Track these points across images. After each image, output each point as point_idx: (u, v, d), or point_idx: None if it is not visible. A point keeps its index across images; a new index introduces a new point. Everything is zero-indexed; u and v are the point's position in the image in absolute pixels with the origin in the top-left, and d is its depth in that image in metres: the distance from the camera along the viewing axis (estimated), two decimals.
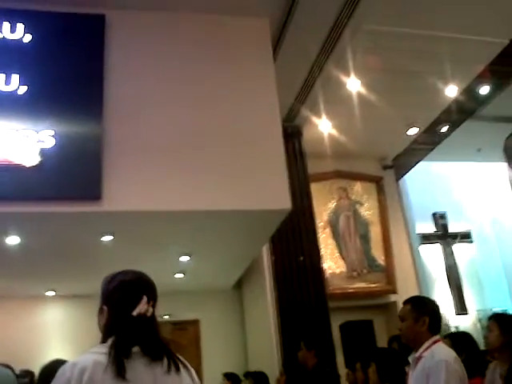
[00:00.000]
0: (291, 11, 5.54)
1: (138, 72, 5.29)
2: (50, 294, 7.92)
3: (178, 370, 1.80)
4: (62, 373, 1.69)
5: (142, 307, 1.81)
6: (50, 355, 3.76)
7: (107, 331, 1.83)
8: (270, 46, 5.76)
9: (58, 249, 5.79)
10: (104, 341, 1.80)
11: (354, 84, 6.70)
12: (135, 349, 1.75)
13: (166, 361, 1.79)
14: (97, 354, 1.73)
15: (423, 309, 3.03)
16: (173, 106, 5.24)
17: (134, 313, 1.80)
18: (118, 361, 1.68)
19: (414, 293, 7.91)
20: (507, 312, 8.36)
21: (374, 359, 4.24)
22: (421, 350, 2.91)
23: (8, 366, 3.52)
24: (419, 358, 2.89)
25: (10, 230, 5.12)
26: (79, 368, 1.67)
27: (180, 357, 1.87)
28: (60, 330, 7.77)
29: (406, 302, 3.13)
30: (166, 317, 8.37)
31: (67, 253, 5.90)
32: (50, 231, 5.23)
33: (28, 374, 4.32)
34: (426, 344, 2.91)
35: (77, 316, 7.65)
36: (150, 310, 1.85)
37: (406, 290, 7.55)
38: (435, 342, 2.92)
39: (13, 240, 5.37)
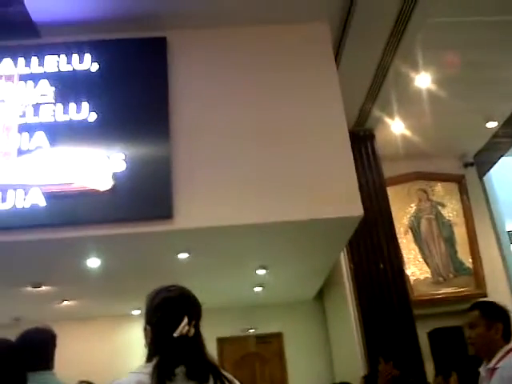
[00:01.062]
0: (350, 11, 5.41)
1: (201, 90, 5.36)
2: (136, 312, 8.13)
3: None
4: None
5: (182, 328, 1.78)
6: None
7: (151, 351, 1.82)
8: (331, 49, 5.67)
9: (137, 268, 5.95)
10: (149, 360, 1.79)
11: (424, 80, 6.49)
12: (179, 369, 1.72)
13: (212, 380, 1.76)
14: (141, 374, 1.73)
15: (495, 314, 2.76)
16: (237, 118, 5.27)
17: (175, 334, 1.76)
18: (160, 382, 1.67)
19: (506, 295, 7.53)
20: None
21: (455, 368, 4.03)
22: (495, 360, 2.63)
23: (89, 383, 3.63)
24: (494, 369, 2.61)
25: (89, 252, 5.33)
26: None
27: (227, 374, 1.84)
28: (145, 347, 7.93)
29: (472, 308, 2.83)
30: (251, 330, 8.40)
31: (146, 272, 6.02)
32: (127, 252, 5.39)
33: None
34: (500, 353, 2.64)
35: None
36: (192, 330, 1.81)
37: (496, 293, 7.17)
38: (510, 351, 2.64)
39: (94, 262, 5.57)
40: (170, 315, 1.83)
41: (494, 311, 2.80)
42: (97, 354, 7.58)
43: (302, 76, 5.48)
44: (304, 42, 5.62)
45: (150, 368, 1.72)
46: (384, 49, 5.92)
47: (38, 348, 2.59)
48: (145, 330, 1.89)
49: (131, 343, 8.12)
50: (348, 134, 5.36)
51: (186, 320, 1.80)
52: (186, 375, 1.72)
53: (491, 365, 2.65)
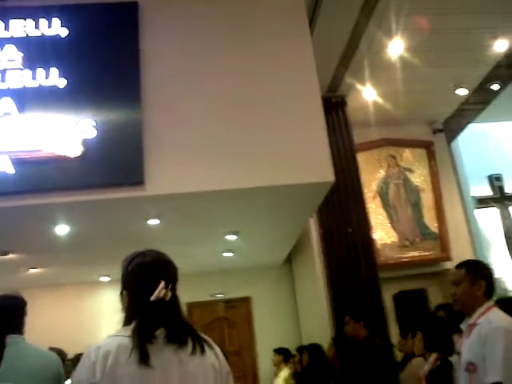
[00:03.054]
0: None
1: (173, 55, 5.31)
2: (105, 279, 8.16)
3: (202, 350, 1.79)
4: (86, 356, 1.71)
5: (159, 292, 1.79)
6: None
7: (129, 315, 1.83)
8: (305, 17, 5.63)
9: (107, 235, 5.96)
10: (127, 324, 1.81)
11: (397, 47, 6.49)
12: (159, 331, 1.75)
13: (190, 342, 1.78)
14: (120, 337, 1.74)
15: (479, 272, 2.87)
16: (210, 84, 5.24)
17: (152, 298, 1.78)
18: (142, 346, 1.69)
19: (470, 258, 7.72)
20: None
21: (419, 328, 4.16)
22: (475, 316, 2.76)
23: (61, 351, 3.67)
24: (473, 324, 2.74)
25: (58, 219, 5.30)
26: (104, 351, 1.68)
27: (204, 336, 1.87)
28: (115, 313, 7.95)
29: (459, 266, 2.94)
30: (219, 295, 8.50)
31: (116, 238, 6.05)
32: (97, 218, 5.38)
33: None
34: (481, 310, 2.76)
35: None
36: (169, 293, 1.82)
37: (461, 257, 7.09)
38: (489, 308, 2.77)
39: (62, 229, 5.55)
40: (147, 279, 1.84)
41: (478, 269, 2.91)
42: (65, 321, 7.58)
43: (276, 43, 5.45)
44: (278, 9, 5.57)
45: (129, 331, 1.74)
46: (358, 15, 5.91)
47: (8, 313, 2.62)
48: (121, 294, 1.90)
49: (100, 310, 8.15)
50: (321, 102, 5.38)
51: (162, 284, 1.81)
52: (165, 338, 1.75)
53: (471, 320, 2.77)
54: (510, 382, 2.48)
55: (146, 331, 1.73)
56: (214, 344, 1.89)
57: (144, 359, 1.67)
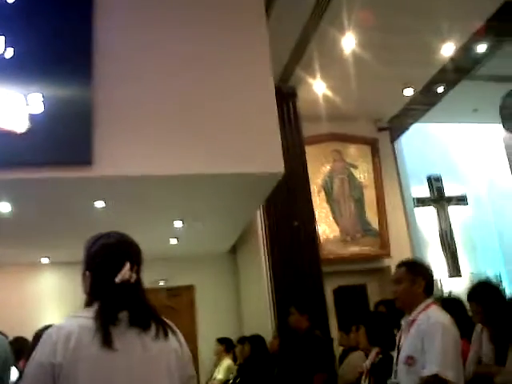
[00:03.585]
0: None
1: (128, 31, 5.14)
2: (45, 261, 7.90)
3: (166, 335, 1.79)
4: (48, 336, 1.67)
5: (124, 274, 1.77)
6: (45, 322, 3.74)
7: (91, 296, 1.80)
8: (262, 5, 5.61)
9: (50, 215, 5.74)
10: (89, 305, 1.77)
11: (349, 43, 6.55)
12: (122, 314, 1.72)
13: (153, 327, 1.77)
14: (82, 318, 1.71)
15: (419, 271, 3.03)
16: (164, 66, 5.12)
17: (117, 279, 1.75)
18: (105, 329, 1.66)
19: (408, 256, 7.91)
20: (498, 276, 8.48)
21: (363, 322, 4.27)
22: (415, 312, 2.91)
23: (2, 333, 3.51)
24: (413, 320, 2.89)
25: (0, 196, 5.05)
26: (65, 332, 1.65)
27: (167, 321, 1.86)
28: (55, 296, 7.77)
29: (400, 265, 3.12)
30: (161, 282, 8.40)
31: (60, 219, 5.85)
32: (41, 197, 5.16)
33: (21, 340, 4.32)
34: (421, 307, 2.91)
35: (72, 282, 7.59)
36: (134, 276, 1.80)
37: (399, 254, 7.49)
38: (429, 306, 2.93)
39: (4, 207, 5.30)
40: (111, 261, 1.81)
41: (418, 268, 3.09)
42: (3, 303, 7.30)
43: (232, 27, 5.41)
44: None
45: (91, 312, 1.71)
46: (312, 8, 5.94)
47: None
48: (84, 275, 1.85)
49: (39, 292, 7.96)
50: (274, 91, 5.37)
51: (128, 265, 1.79)
52: (129, 321, 1.72)
53: (411, 316, 2.93)
54: (446, 373, 2.63)
55: (110, 313, 1.71)
56: (176, 329, 1.89)
57: (107, 342, 1.64)
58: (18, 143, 4.51)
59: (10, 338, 4.10)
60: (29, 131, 4.54)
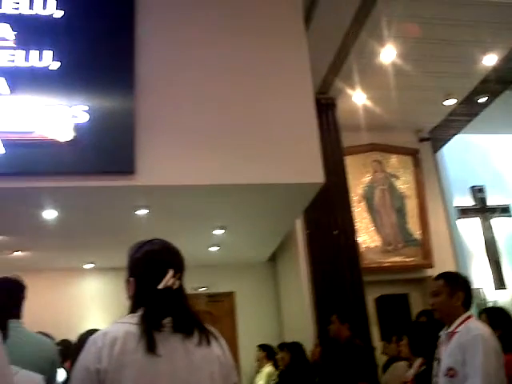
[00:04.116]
0: None
1: (169, 43, 5.31)
2: (89, 266, 8.10)
3: (209, 341, 1.79)
4: (93, 342, 1.69)
5: (167, 280, 1.78)
6: (88, 326, 3.85)
7: (135, 302, 1.83)
8: (301, 16, 5.70)
9: (94, 223, 5.90)
10: (133, 311, 1.80)
11: (389, 54, 6.54)
12: (166, 320, 1.74)
13: (196, 333, 1.78)
14: (127, 324, 1.73)
15: (457, 284, 3.01)
16: (205, 78, 5.24)
17: (160, 286, 1.77)
18: (149, 335, 1.68)
19: (451, 267, 7.81)
20: None
21: (406, 332, 4.23)
22: (454, 325, 2.90)
23: (47, 335, 3.63)
24: (453, 333, 2.87)
25: (46, 204, 5.22)
26: (110, 337, 1.67)
27: (211, 328, 1.86)
28: (98, 301, 7.94)
29: (437, 278, 3.10)
30: (202, 289, 8.48)
31: (104, 226, 6.00)
32: (85, 205, 5.32)
33: (66, 342, 4.45)
34: (460, 319, 2.89)
35: (115, 287, 7.76)
36: (177, 282, 1.82)
37: (442, 265, 7.42)
38: (468, 318, 2.91)
39: (50, 214, 5.48)
40: (155, 268, 1.83)
41: (456, 281, 3.06)
42: (49, 307, 7.50)
43: (272, 39, 5.50)
44: (275, 5, 5.60)
45: (136, 318, 1.73)
46: (352, 19, 5.94)
47: (9, 297, 2.58)
48: (127, 282, 1.88)
49: (83, 296, 8.15)
50: (314, 102, 5.41)
51: (171, 272, 1.81)
52: (172, 327, 1.74)
53: (451, 329, 2.91)
54: None
55: (154, 319, 1.73)
56: (219, 336, 1.88)
57: (151, 348, 1.66)
58: (64, 153, 4.68)
59: (56, 340, 4.24)
60: (74, 141, 4.71)
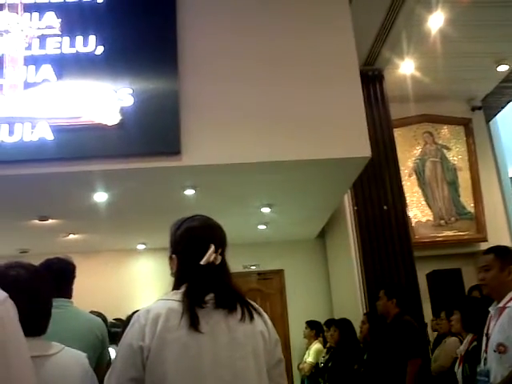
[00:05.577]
0: None
1: (211, 27, 5.28)
2: (141, 247, 8.27)
3: (251, 317, 1.77)
4: (136, 319, 1.71)
5: (209, 256, 1.77)
6: (141, 306, 3.93)
7: (179, 279, 1.82)
8: None
9: (143, 204, 6.00)
10: (177, 288, 1.80)
11: (437, 20, 6.30)
12: (209, 296, 1.73)
13: (239, 309, 1.76)
14: (171, 301, 1.73)
15: (508, 258, 2.89)
16: (248, 57, 5.20)
17: (202, 262, 1.76)
18: (191, 311, 1.68)
19: (506, 241, 7.60)
20: None
21: (457, 307, 4.14)
22: (504, 300, 2.78)
23: (101, 314, 3.74)
24: (503, 308, 2.76)
25: (96, 187, 5.34)
26: (153, 314, 1.68)
27: (253, 303, 1.84)
28: (151, 280, 8.05)
29: (487, 252, 2.98)
30: (253, 267, 8.54)
31: (153, 207, 6.09)
32: (134, 187, 5.40)
33: (120, 322, 4.57)
34: (511, 294, 2.78)
35: (166, 267, 7.90)
36: (219, 258, 1.80)
37: (497, 238, 7.21)
38: None
39: (101, 197, 5.61)
40: (197, 243, 1.82)
41: (507, 255, 2.93)
42: (103, 287, 7.74)
43: (315, 12, 5.39)
44: None
45: (179, 295, 1.73)
46: None
47: (60, 276, 2.65)
48: (170, 258, 1.89)
49: (136, 277, 8.36)
50: (359, 74, 5.30)
51: (212, 248, 1.79)
52: (215, 303, 1.73)
53: (501, 304, 2.80)
54: None
55: (196, 296, 1.72)
56: (262, 311, 1.86)
57: (194, 324, 1.66)
58: (111, 136, 4.77)
59: (110, 319, 4.36)
60: (120, 124, 4.78)
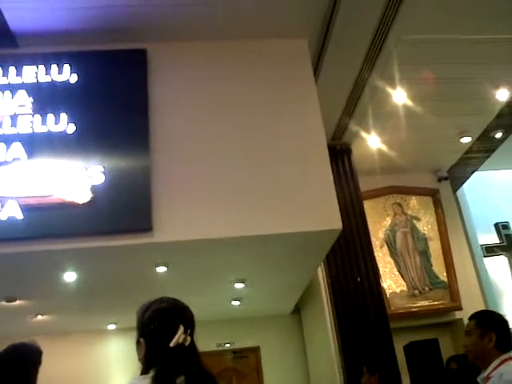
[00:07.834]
0: (329, 28, 5.47)
1: (182, 103, 5.35)
2: (112, 327, 8.03)
3: None
4: None
5: (179, 337, 1.75)
6: None
7: (147, 363, 1.78)
8: (310, 65, 5.71)
9: (115, 282, 5.88)
10: (145, 372, 1.75)
11: (400, 95, 6.52)
12: (180, 379, 1.69)
13: None
14: None
15: (489, 324, 2.85)
16: (218, 132, 5.26)
17: (171, 344, 1.74)
18: None
19: (481, 308, 7.56)
20: None
21: (435, 380, 4.07)
22: (489, 369, 2.72)
23: None
24: (488, 378, 2.70)
25: (66, 266, 5.23)
26: None
27: None
28: (122, 362, 7.78)
29: (471, 318, 2.96)
30: (227, 345, 8.33)
31: (125, 286, 5.97)
32: (105, 265, 5.31)
33: None
34: (496, 362, 2.72)
35: None
36: (188, 339, 1.79)
37: (471, 306, 7.18)
38: (504, 361, 2.72)
39: (70, 276, 5.48)
40: (165, 325, 1.81)
41: (488, 321, 2.89)
42: (72, 370, 7.45)
43: (282, 90, 5.51)
44: (283, 57, 5.65)
45: (148, 380, 1.69)
46: (361, 64, 5.97)
47: (25, 364, 2.54)
48: (138, 343, 1.86)
49: (107, 358, 8.06)
50: (327, 149, 5.40)
51: (182, 329, 1.78)
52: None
53: (486, 373, 2.74)
54: None
55: (166, 380, 1.68)
56: None
57: None
58: (82, 214, 4.70)
59: None
60: (91, 202, 4.74)
